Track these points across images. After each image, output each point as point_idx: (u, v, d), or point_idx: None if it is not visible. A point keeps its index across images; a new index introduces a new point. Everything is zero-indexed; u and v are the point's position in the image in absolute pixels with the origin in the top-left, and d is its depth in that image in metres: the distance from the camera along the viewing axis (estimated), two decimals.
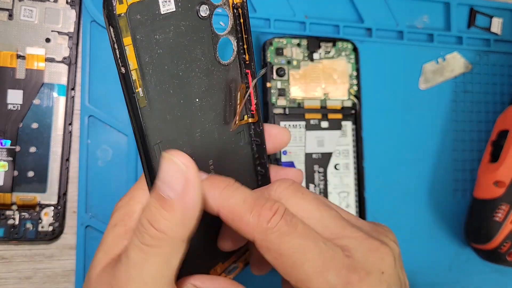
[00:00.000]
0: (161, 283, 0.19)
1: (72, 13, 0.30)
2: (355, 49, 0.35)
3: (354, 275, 0.19)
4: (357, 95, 0.35)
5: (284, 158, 0.33)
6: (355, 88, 0.35)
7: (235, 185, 0.20)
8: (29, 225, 0.29)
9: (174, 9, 0.19)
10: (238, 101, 0.22)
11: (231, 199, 0.19)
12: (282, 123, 0.33)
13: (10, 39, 0.29)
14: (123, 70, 0.18)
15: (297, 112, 0.33)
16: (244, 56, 0.22)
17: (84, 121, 0.31)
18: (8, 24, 0.29)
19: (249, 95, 0.22)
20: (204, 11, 0.21)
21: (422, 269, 0.37)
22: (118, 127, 0.31)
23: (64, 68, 0.30)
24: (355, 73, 0.35)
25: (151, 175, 0.19)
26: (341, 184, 0.34)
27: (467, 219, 0.36)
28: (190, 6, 0.20)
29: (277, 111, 0.33)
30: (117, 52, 0.18)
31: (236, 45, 0.22)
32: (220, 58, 0.21)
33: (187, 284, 0.21)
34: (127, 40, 0.18)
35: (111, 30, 0.17)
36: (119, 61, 0.18)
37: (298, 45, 0.34)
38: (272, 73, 0.33)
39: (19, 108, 0.29)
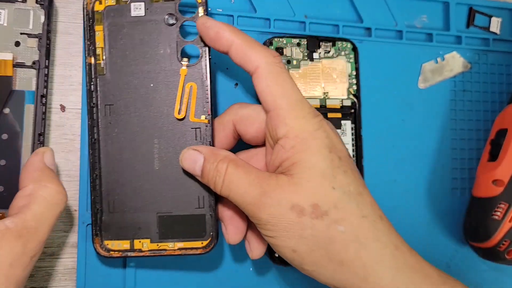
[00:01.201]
0: None
1: (42, 13, 0.28)
2: (354, 49, 0.35)
3: (317, 113, 0.25)
4: (357, 94, 0.35)
5: None
6: (355, 87, 0.35)
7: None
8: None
9: (143, 15, 0.27)
10: (192, 99, 0.27)
11: (243, 33, 0.26)
12: None
13: None
14: (92, 46, 0.27)
15: None
16: (205, 63, 0.28)
17: (85, 120, 0.31)
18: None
19: (205, 97, 0.27)
20: (171, 20, 0.27)
21: None
22: None
23: (34, 73, 0.28)
24: (354, 73, 0.35)
25: (91, 133, 0.27)
26: None
27: (466, 217, 0.36)
28: (159, 15, 0.27)
29: None
30: (89, 34, 0.27)
31: (201, 52, 0.28)
32: (182, 60, 0.27)
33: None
34: (98, 27, 0.27)
35: (88, 19, 0.27)
36: (89, 41, 0.27)
37: (298, 44, 0.34)
38: None
39: None
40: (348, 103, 0.35)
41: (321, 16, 0.36)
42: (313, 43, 0.34)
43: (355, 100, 0.35)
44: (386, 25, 0.37)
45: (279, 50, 0.33)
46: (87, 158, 0.31)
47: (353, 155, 0.35)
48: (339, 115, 0.34)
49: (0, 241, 0.21)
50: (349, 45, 0.35)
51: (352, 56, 0.35)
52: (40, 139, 0.28)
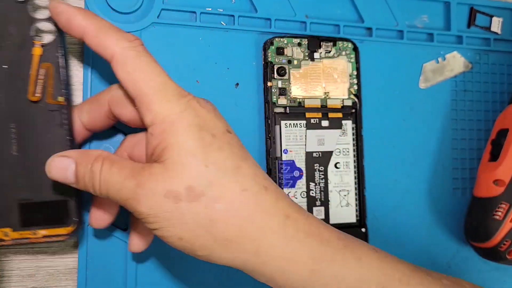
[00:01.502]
0: None
1: None
2: (355, 49, 0.35)
3: (187, 94, 0.24)
4: (357, 94, 0.35)
5: (284, 157, 0.33)
6: (355, 87, 0.35)
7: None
8: None
9: None
10: (48, 80, 0.26)
11: (97, 19, 0.24)
12: (283, 122, 0.33)
13: None
14: None
15: (297, 111, 0.34)
16: (58, 42, 0.26)
17: None
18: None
19: (61, 77, 0.26)
20: None
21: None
22: (119, 126, 0.31)
23: None
24: (355, 73, 0.35)
25: None
26: (342, 182, 0.35)
27: (467, 217, 0.36)
28: None
29: (278, 110, 0.33)
30: None
31: (54, 29, 0.26)
32: (35, 38, 0.26)
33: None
34: None
35: None
36: None
37: (299, 44, 0.34)
38: (273, 73, 0.33)
39: None
40: (349, 103, 0.35)
41: (322, 16, 0.36)
42: (314, 43, 0.34)
43: (356, 100, 0.35)
44: (387, 25, 0.37)
45: (280, 50, 0.33)
46: None
47: (354, 155, 0.35)
48: (340, 115, 0.34)
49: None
50: (350, 45, 0.35)
51: (353, 56, 0.35)
52: None
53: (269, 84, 0.33)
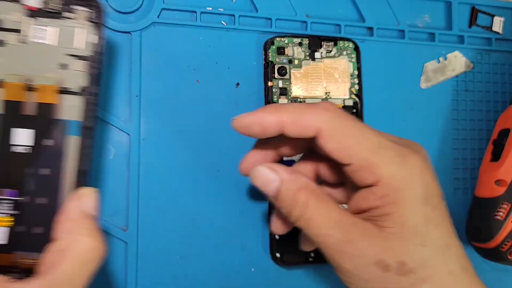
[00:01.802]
0: None
1: (94, 32, 0.24)
2: (356, 48, 0.35)
3: (407, 149, 0.23)
4: (358, 94, 0.35)
5: (285, 158, 0.33)
6: (356, 87, 0.35)
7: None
8: None
9: None
10: None
11: (282, 106, 0.24)
12: None
13: (18, 66, 0.23)
14: None
15: None
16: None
17: None
18: (16, 48, 0.23)
19: None
20: None
21: None
22: (121, 126, 0.31)
23: (81, 100, 0.23)
24: (356, 72, 0.35)
25: None
26: None
27: (468, 217, 0.36)
28: None
29: None
30: None
31: None
32: None
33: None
34: None
35: None
36: None
37: (300, 44, 0.34)
38: (274, 72, 0.33)
39: (27, 151, 0.23)
40: (350, 103, 0.35)
41: (322, 15, 0.36)
42: (315, 43, 0.34)
43: (357, 100, 0.35)
44: (388, 25, 0.37)
45: (281, 50, 0.33)
46: None
47: None
48: None
49: None
50: (351, 44, 0.35)
51: (354, 55, 0.35)
52: (83, 177, 0.23)
53: (269, 84, 0.33)
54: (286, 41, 0.34)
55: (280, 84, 0.33)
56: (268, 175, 0.24)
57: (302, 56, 0.34)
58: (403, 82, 0.38)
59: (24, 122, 0.23)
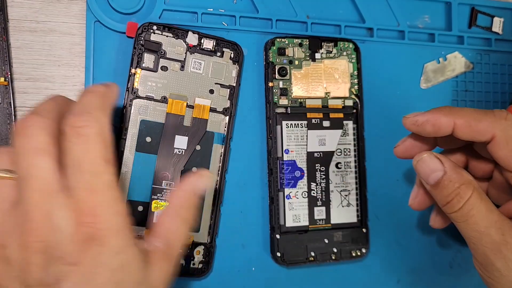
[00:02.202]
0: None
1: (234, 68, 0.33)
2: (356, 49, 0.35)
3: None
4: (359, 94, 0.35)
5: (286, 157, 0.33)
6: (356, 87, 0.35)
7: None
8: (181, 261, 0.31)
9: None
10: None
11: (456, 109, 0.25)
12: (284, 122, 0.33)
13: (181, 88, 0.31)
14: None
15: (299, 111, 0.34)
16: None
17: None
18: (178, 74, 0.31)
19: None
20: None
21: (423, 267, 0.38)
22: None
23: (223, 118, 0.32)
24: (356, 73, 0.35)
25: None
26: (343, 182, 0.35)
27: None
28: None
29: (279, 110, 0.33)
30: None
31: None
32: None
33: None
34: None
35: None
36: None
37: (300, 45, 0.34)
38: (275, 73, 0.33)
39: (183, 153, 0.31)
40: (350, 103, 0.35)
41: (323, 16, 0.36)
42: (315, 43, 0.34)
43: (357, 100, 0.35)
44: (388, 25, 0.37)
45: (281, 50, 0.34)
46: None
47: (355, 155, 0.35)
48: (341, 115, 0.35)
49: (153, 261, 0.21)
50: (351, 45, 0.35)
51: (354, 56, 0.35)
52: (223, 175, 0.32)
53: (270, 84, 0.33)
54: (287, 42, 0.34)
55: (281, 84, 0.33)
56: (433, 164, 0.24)
57: (303, 57, 0.34)
58: (403, 83, 0.38)
59: (182, 130, 0.31)
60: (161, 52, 0.31)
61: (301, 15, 0.35)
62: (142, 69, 0.31)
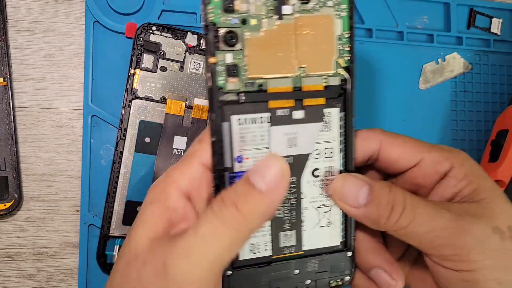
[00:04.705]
0: (217, 267, 0.19)
1: None
2: None
3: (465, 221, 0.21)
4: (349, 68, 0.22)
5: (237, 168, 0.22)
6: (347, 57, 0.22)
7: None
8: None
9: None
10: None
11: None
12: (235, 117, 0.21)
13: (180, 89, 0.31)
14: None
15: (257, 98, 0.21)
16: None
17: (87, 121, 0.31)
18: (179, 75, 0.31)
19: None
20: None
21: None
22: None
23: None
24: (347, 34, 0.22)
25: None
26: (321, 195, 0.24)
27: None
28: None
29: (226, 98, 0.21)
30: None
31: None
32: None
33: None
34: None
35: None
36: None
37: None
38: (218, 41, 0.20)
39: (182, 153, 0.31)
40: (336, 81, 0.22)
41: None
42: None
43: (346, 76, 0.23)
44: (387, 26, 0.37)
45: (228, 4, 0.20)
46: (88, 159, 0.31)
47: (342, 157, 0.24)
48: (322, 101, 0.23)
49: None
50: None
51: (345, 6, 0.22)
52: None
53: (211, 60, 0.21)
54: None
55: (228, 59, 0.21)
56: (356, 181, 0.22)
57: (263, 12, 0.21)
58: (402, 83, 0.38)
59: (181, 131, 0.31)
60: (160, 52, 0.31)
61: None
62: (141, 69, 0.31)
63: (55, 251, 0.31)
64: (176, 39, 0.31)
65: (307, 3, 0.22)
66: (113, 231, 0.30)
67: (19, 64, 0.31)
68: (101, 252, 0.30)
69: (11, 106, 0.30)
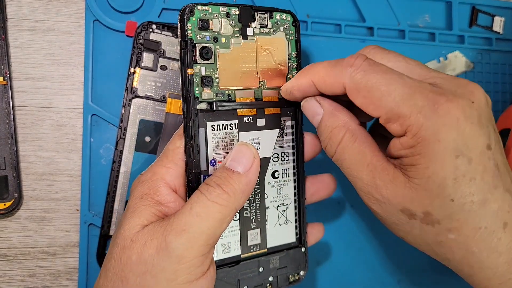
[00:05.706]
0: (212, 240, 0.22)
1: None
2: (295, 22, 0.27)
3: (442, 96, 0.21)
4: None
5: (212, 171, 0.25)
6: (294, 73, 0.27)
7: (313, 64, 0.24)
8: None
9: None
10: None
11: (318, 67, 0.24)
12: (210, 124, 0.24)
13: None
14: None
15: (227, 107, 0.25)
16: None
17: (87, 120, 0.31)
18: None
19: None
20: None
21: (423, 267, 0.38)
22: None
23: None
24: (294, 54, 0.27)
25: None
26: (280, 195, 0.27)
27: None
28: None
29: (202, 106, 0.24)
30: None
31: None
32: None
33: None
34: None
35: None
36: None
37: (227, 15, 0.25)
38: (195, 55, 0.24)
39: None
40: None
41: (323, 15, 0.36)
42: (246, 14, 0.25)
43: None
44: (389, 25, 0.37)
45: (204, 23, 0.24)
46: (88, 159, 0.31)
47: (294, 160, 0.28)
48: (278, 110, 0.27)
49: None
50: (288, 17, 0.27)
51: (292, 32, 0.27)
52: None
53: (189, 71, 0.24)
54: (210, 11, 0.24)
55: (203, 71, 0.24)
56: (314, 107, 0.24)
57: (231, 32, 0.25)
58: None
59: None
60: (161, 51, 0.31)
61: (301, 14, 0.35)
62: (141, 68, 0.31)
63: (55, 251, 0.31)
64: (176, 38, 0.31)
65: (265, 26, 0.26)
66: (113, 231, 0.30)
67: (19, 63, 0.31)
68: (101, 252, 0.30)
69: (11, 105, 0.30)
